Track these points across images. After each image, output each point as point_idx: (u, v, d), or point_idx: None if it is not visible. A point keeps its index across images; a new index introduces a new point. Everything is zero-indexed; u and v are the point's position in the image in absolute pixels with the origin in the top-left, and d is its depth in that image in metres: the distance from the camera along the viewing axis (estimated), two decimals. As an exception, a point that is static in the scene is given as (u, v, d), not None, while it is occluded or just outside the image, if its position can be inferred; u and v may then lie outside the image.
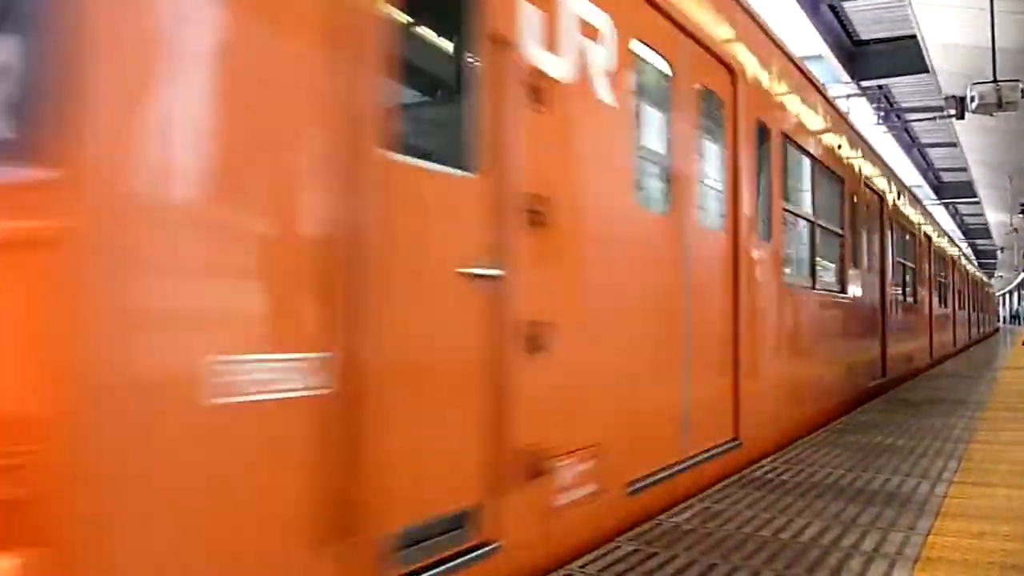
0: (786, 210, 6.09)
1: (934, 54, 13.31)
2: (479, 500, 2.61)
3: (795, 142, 6.31)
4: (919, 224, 13.62)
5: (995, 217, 31.95)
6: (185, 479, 1.74)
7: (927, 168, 30.46)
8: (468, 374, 2.61)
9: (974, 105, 10.49)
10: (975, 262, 38.95)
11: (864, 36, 17.35)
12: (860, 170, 8.79)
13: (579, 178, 3.27)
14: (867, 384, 8.97)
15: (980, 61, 11.37)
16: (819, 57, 16.34)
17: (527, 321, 2.83)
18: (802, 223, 6.92)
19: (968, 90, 10.66)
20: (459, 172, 2.62)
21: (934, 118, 19.13)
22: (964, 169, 24.10)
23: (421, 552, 2.36)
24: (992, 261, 53.63)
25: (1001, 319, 71.37)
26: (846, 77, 17.80)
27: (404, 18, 2.62)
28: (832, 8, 16.03)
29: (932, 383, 10.91)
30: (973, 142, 19.25)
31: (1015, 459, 5.14)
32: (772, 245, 5.62)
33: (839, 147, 7.90)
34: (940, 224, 18.69)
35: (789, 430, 5.95)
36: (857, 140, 8.84)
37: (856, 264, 8.35)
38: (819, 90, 7.25)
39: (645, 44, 3.86)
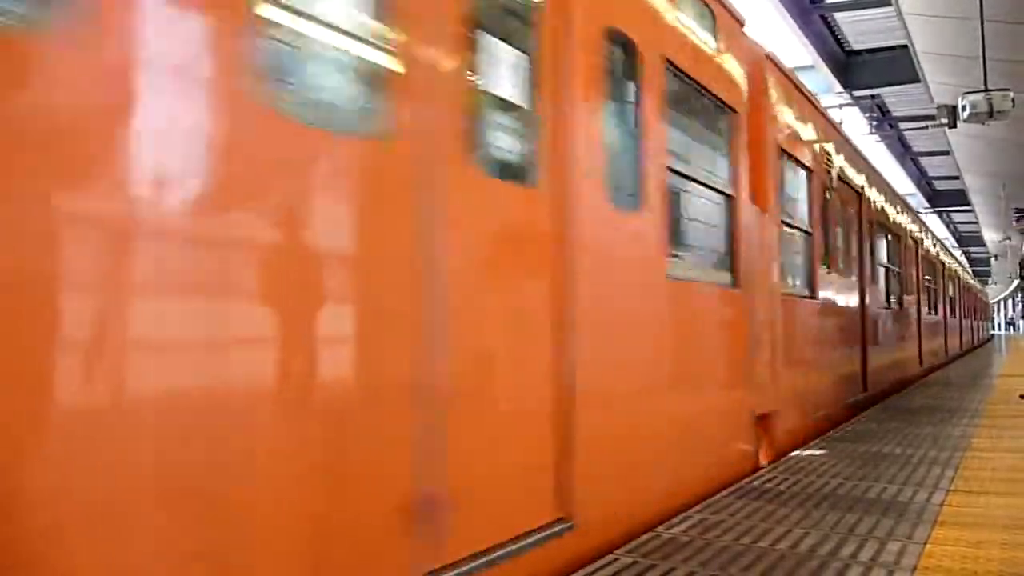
0: None
1: (925, 63, 13.38)
2: None
3: None
4: (842, 168, 8.28)
5: (988, 225, 32.07)
6: None
7: (920, 177, 30.62)
8: None
9: (966, 114, 10.52)
10: (969, 269, 39.00)
11: (856, 46, 17.47)
12: None
13: None
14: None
15: (971, 70, 11.44)
16: (811, 67, 16.46)
17: None
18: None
19: (960, 99, 10.71)
20: None
21: (926, 127, 19.25)
22: (957, 177, 24.22)
23: None
24: (986, 268, 53.78)
25: (996, 326, 71.75)
26: (838, 87, 17.93)
27: None
28: (823, 19, 16.15)
29: (926, 391, 10.92)
30: (966, 150, 19.34)
31: (1011, 467, 5.14)
32: None
33: None
34: (895, 189, 12.94)
35: None
36: None
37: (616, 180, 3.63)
38: None
39: None
